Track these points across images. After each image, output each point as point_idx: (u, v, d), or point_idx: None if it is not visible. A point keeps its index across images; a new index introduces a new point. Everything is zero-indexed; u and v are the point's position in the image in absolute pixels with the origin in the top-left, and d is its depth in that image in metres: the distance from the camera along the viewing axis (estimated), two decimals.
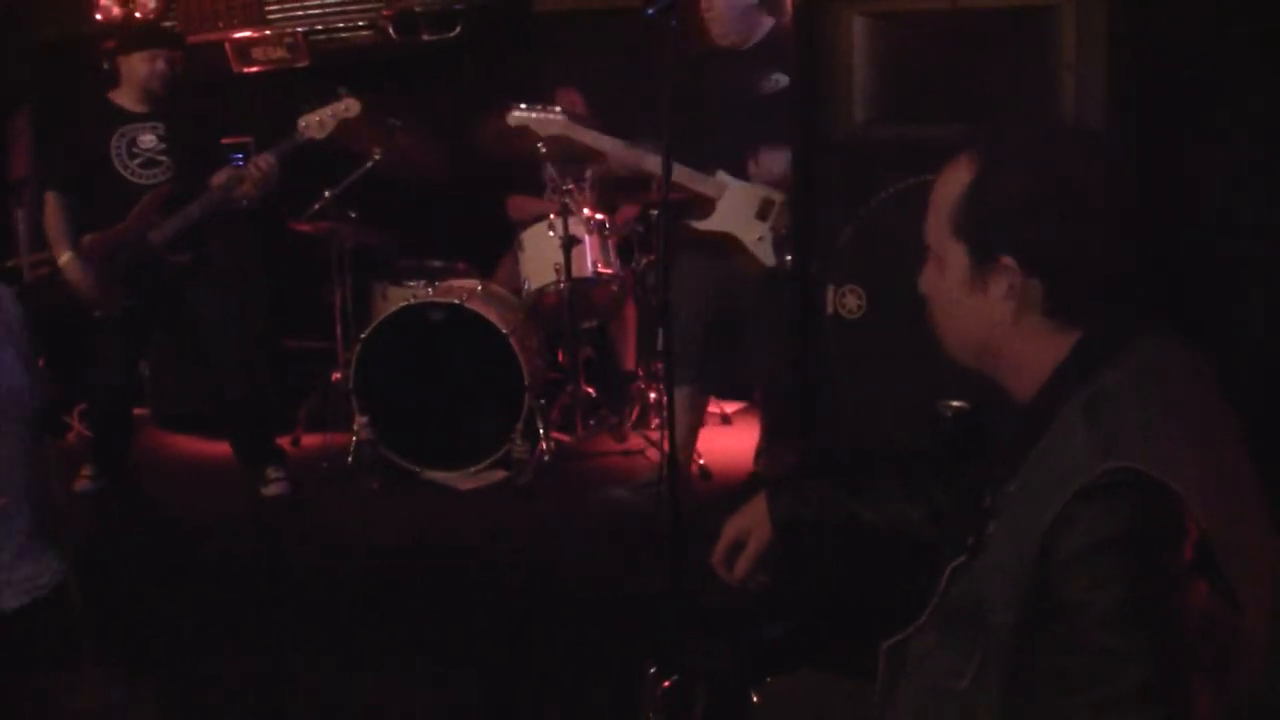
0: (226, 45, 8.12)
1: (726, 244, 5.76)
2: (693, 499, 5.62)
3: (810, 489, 2.68)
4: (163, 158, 6.31)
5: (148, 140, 6.31)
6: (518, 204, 7.65)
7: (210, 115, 6.83)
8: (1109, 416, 1.86)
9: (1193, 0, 3.74)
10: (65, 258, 6.20)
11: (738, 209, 5.72)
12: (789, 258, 5.35)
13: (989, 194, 2.01)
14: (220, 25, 8.12)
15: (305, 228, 7.17)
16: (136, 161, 6.28)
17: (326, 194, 6.99)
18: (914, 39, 3.84)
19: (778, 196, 5.62)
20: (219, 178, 6.18)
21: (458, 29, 7.68)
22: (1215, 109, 3.62)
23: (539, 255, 6.87)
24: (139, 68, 6.31)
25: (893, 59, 3.86)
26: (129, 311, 6.30)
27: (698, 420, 6.26)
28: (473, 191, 7.97)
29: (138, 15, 8.00)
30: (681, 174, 5.54)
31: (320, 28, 8.02)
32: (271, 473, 6.59)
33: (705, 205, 5.77)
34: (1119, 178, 2.03)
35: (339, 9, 7.95)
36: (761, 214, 5.68)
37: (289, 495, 6.53)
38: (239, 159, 7.13)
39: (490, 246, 7.79)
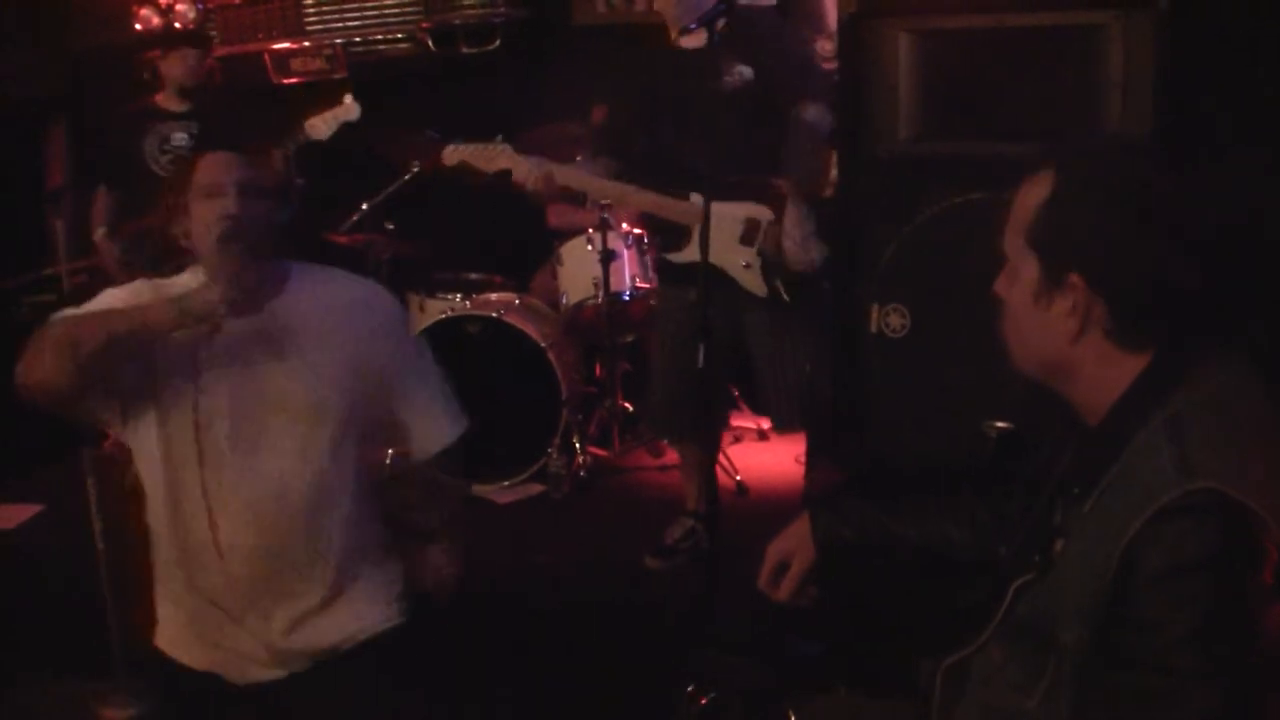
0: (265, 56, 8.14)
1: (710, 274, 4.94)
2: (730, 515, 5.57)
3: (851, 509, 2.69)
4: (189, 154, 6.32)
5: (179, 138, 6.60)
6: (559, 211, 7.62)
7: (245, 117, 6.96)
8: (1189, 437, 1.86)
9: (1241, 18, 3.71)
10: (99, 233, 6.72)
11: (717, 234, 4.76)
12: (779, 282, 5.11)
13: (1063, 211, 2.02)
14: (259, 36, 8.15)
15: (342, 240, 7.16)
16: (166, 158, 6.53)
17: (364, 206, 6.99)
18: (959, 57, 3.82)
19: (764, 216, 5.09)
20: None
21: (496, 42, 7.68)
22: (1266, 128, 3.60)
23: (577, 269, 6.85)
24: (174, 67, 6.62)
25: (938, 77, 3.84)
26: None
27: (706, 475, 5.34)
28: (509, 204, 7.96)
29: (177, 25, 8.04)
30: (646, 200, 5.23)
31: (358, 39, 8.03)
32: None
33: (680, 233, 5.24)
34: (1194, 202, 2.02)
35: (378, 21, 7.98)
36: (746, 238, 5.14)
37: None
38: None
39: (527, 259, 7.77)
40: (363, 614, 3.37)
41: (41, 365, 3.08)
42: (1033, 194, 2.06)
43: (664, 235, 5.38)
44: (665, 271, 5.52)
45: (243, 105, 7.10)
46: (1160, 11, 3.56)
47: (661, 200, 5.16)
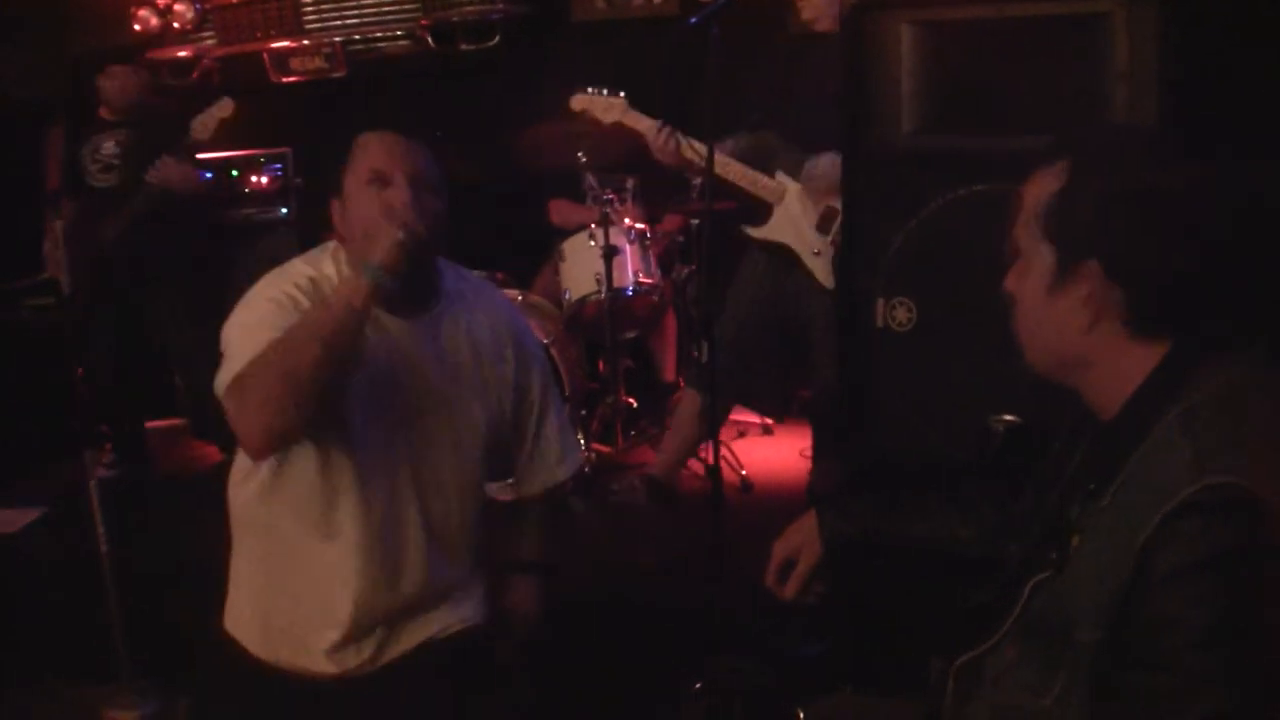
0: (264, 55, 8.14)
1: (787, 252, 5.38)
2: (734, 510, 5.55)
3: (858, 506, 2.69)
4: (116, 162, 6.84)
5: (109, 147, 6.88)
6: (559, 208, 7.61)
7: (168, 120, 6.98)
8: (1205, 432, 1.85)
9: (1248, 7, 3.69)
10: (47, 246, 7.01)
11: (797, 217, 5.29)
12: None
13: (1079, 198, 2.00)
14: (258, 36, 8.16)
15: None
16: (97, 167, 6.86)
17: None
18: (962, 48, 3.80)
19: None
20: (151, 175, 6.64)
21: (496, 38, 7.67)
22: (1273, 118, 3.57)
23: (580, 265, 6.87)
24: (104, 84, 6.89)
25: (941, 68, 3.82)
26: (106, 306, 6.85)
27: (703, 434, 5.75)
28: (511, 201, 7.96)
29: (175, 26, 8.05)
30: (736, 172, 5.31)
31: (358, 38, 8.02)
32: None
33: (763, 210, 5.42)
34: (1214, 194, 2.00)
35: (377, 19, 7.97)
36: (823, 226, 5.24)
37: None
38: (278, 169, 7.23)
39: (528, 256, 7.77)
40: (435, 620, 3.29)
41: (263, 426, 2.78)
42: (1046, 183, 2.04)
43: (747, 209, 5.43)
44: (744, 242, 5.61)
45: (176, 111, 7.09)
46: (1165, 0, 3.54)
47: (751, 174, 5.30)
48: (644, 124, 5.60)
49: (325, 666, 3.14)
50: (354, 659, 3.15)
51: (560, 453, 3.51)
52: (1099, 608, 1.86)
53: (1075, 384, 2.09)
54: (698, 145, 5.25)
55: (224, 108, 6.61)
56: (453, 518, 3.24)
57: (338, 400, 2.91)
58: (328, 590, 3.10)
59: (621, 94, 5.77)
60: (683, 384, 6.78)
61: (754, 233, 5.45)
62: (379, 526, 3.09)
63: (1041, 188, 2.05)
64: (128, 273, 6.76)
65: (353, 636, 3.13)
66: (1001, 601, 2.19)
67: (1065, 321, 2.01)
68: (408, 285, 2.92)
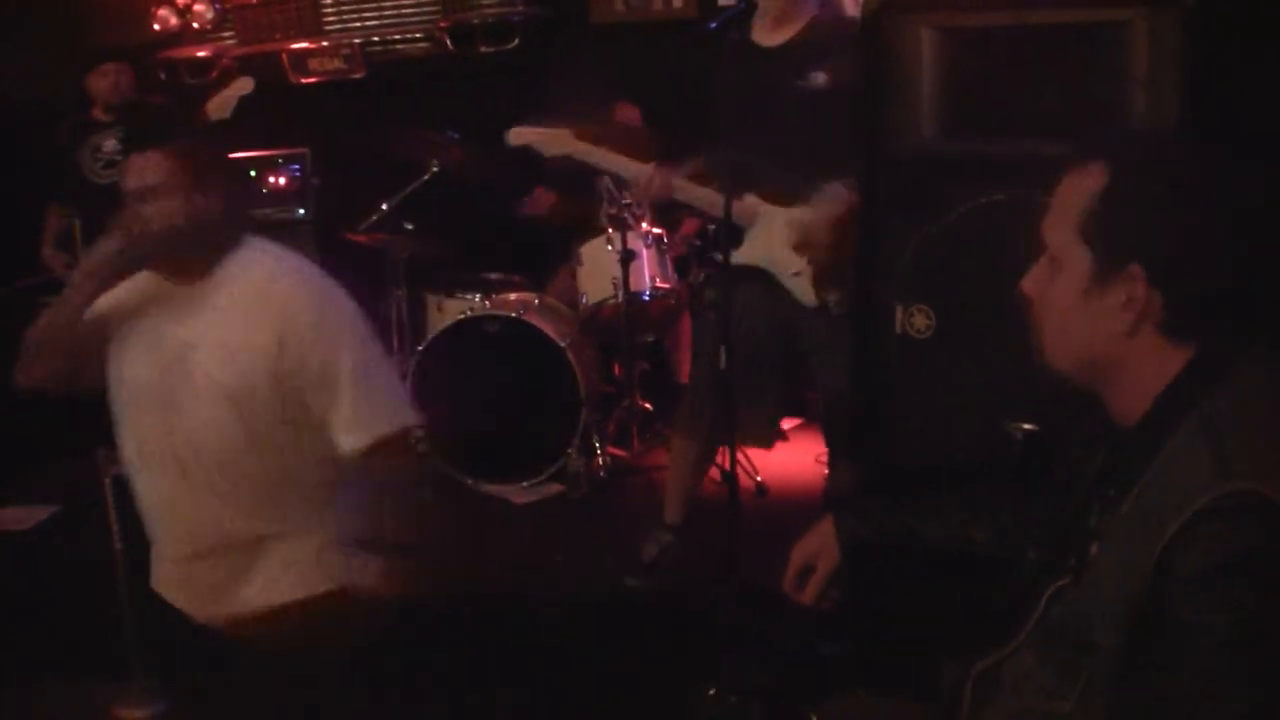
0: (283, 56, 8.16)
1: (758, 278, 5.03)
2: (750, 516, 5.52)
3: (875, 511, 2.69)
4: (120, 158, 6.72)
5: (110, 145, 6.94)
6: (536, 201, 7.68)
7: (165, 114, 7.14)
8: (1227, 438, 1.84)
9: (1269, 14, 3.69)
10: (46, 251, 7.15)
11: (771, 239, 4.98)
12: (832, 298, 4.89)
13: (1124, 200, 1.98)
14: (278, 36, 8.19)
15: (361, 239, 7.19)
16: (100, 164, 6.93)
17: (383, 206, 7.00)
18: (982, 53, 3.80)
19: (824, 230, 4.82)
20: None
21: (515, 40, 7.68)
22: None
23: (597, 269, 6.87)
24: (96, 84, 6.98)
25: (961, 74, 3.82)
26: None
27: (697, 482, 5.59)
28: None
29: (195, 25, 8.08)
30: (702, 197, 5.10)
31: (377, 39, 8.04)
32: None
33: (734, 233, 4.94)
34: (1256, 192, 1.99)
35: (396, 20, 8.00)
36: (800, 245, 4.92)
37: None
38: (296, 170, 7.24)
39: (545, 258, 7.78)
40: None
41: (29, 368, 3.50)
42: (1083, 185, 2.01)
43: (716, 232, 5.37)
44: (715, 270, 5.43)
45: (167, 107, 7.28)
46: (1186, 6, 3.53)
47: (711, 196, 5.02)
48: (617, 163, 5.40)
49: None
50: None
51: (372, 410, 3.58)
52: (1119, 613, 1.85)
53: (1099, 387, 2.08)
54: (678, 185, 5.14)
55: (243, 85, 6.61)
56: (226, 468, 3.51)
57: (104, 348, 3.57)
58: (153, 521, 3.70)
59: (569, 126, 5.53)
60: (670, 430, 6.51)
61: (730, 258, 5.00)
62: (156, 468, 3.62)
63: (1078, 189, 2.01)
64: None
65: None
66: (1019, 607, 2.19)
67: (1100, 325, 1.99)
68: (172, 261, 3.48)
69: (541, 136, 5.51)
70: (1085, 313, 2.01)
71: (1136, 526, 1.87)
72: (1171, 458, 1.88)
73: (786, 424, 7.51)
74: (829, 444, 5.58)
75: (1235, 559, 1.73)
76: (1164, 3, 3.55)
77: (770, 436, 6.47)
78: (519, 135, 5.59)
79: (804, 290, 4.93)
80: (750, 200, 4.96)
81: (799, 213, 4.90)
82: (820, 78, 4.82)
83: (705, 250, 7.17)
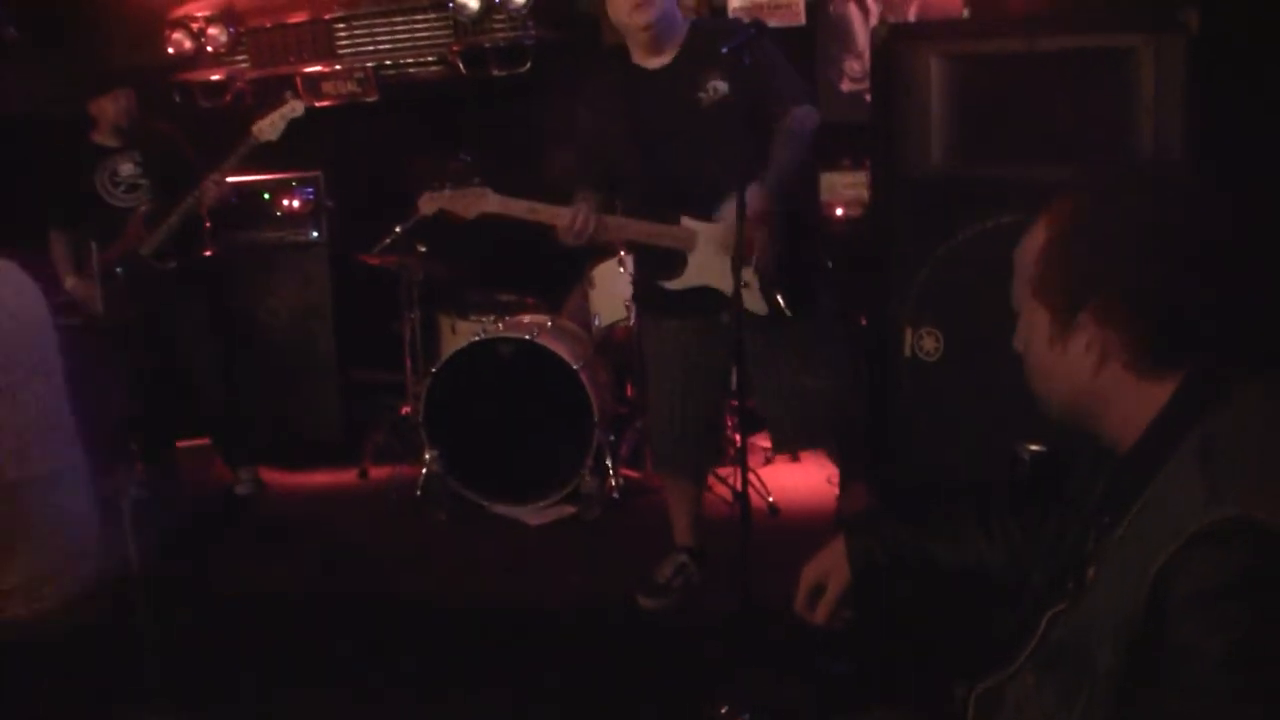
0: (297, 79, 8.19)
1: (709, 299, 4.95)
2: (762, 536, 5.52)
3: (886, 531, 2.70)
4: (142, 181, 6.92)
5: (127, 169, 6.97)
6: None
7: (179, 139, 7.19)
8: (1219, 463, 1.87)
9: (1273, 41, 3.73)
10: (70, 282, 6.94)
11: (713, 257, 4.89)
12: (780, 297, 4.86)
13: (1060, 253, 2.06)
14: (291, 59, 8.19)
15: (375, 261, 7.21)
16: (119, 189, 6.92)
17: (397, 229, 7.03)
18: (991, 80, 3.85)
19: (758, 233, 4.71)
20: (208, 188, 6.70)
21: (528, 64, 7.71)
22: None
23: (610, 291, 6.91)
24: (107, 108, 6.93)
25: (970, 100, 3.86)
26: (133, 321, 6.77)
27: (697, 507, 5.59)
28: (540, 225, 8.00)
29: (209, 49, 8.13)
30: (639, 229, 5.03)
31: (390, 62, 8.07)
32: (243, 474, 7.31)
33: (674, 260, 5.01)
34: (1201, 220, 2.04)
35: (409, 44, 8.00)
36: (741, 257, 4.54)
37: (255, 495, 7.19)
38: (310, 193, 7.28)
39: (558, 278, 7.81)
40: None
41: None
42: (1031, 244, 2.12)
43: (654, 263, 5.11)
44: (653, 300, 5.27)
45: (177, 131, 7.28)
46: (1190, 33, 3.58)
47: (654, 227, 4.98)
48: (529, 211, 5.20)
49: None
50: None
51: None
52: (1116, 636, 1.88)
53: (1093, 427, 2.13)
54: (611, 221, 5.05)
55: (294, 108, 6.68)
56: None
57: None
58: None
59: (479, 181, 5.37)
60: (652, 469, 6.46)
61: (671, 285, 5.05)
62: None
63: (1028, 250, 2.12)
64: (158, 288, 6.83)
65: None
66: (1021, 629, 2.23)
67: (1072, 371, 2.07)
68: None
69: (454, 201, 5.34)
70: (1057, 362, 2.09)
71: (1131, 551, 1.91)
72: (1165, 483, 1.92)
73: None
74: (842, 462, 5.60)
75: (1227, 583, 1.76)
76: (1168, 30, 3.60)
77: (722, 454, 6.41)
78: (430, 202, 5.39)
79: (755, 301, 4.86)
80: (687, 223, 4.93)
81: (728, 225, 4.65)
82: (720, 86, 4.83)
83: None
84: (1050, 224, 2.09)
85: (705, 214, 4.91)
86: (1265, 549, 1.76)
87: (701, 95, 4.86)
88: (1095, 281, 2.02)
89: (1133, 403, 2.04)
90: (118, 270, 6.69)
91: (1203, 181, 2.11)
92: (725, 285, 4.81)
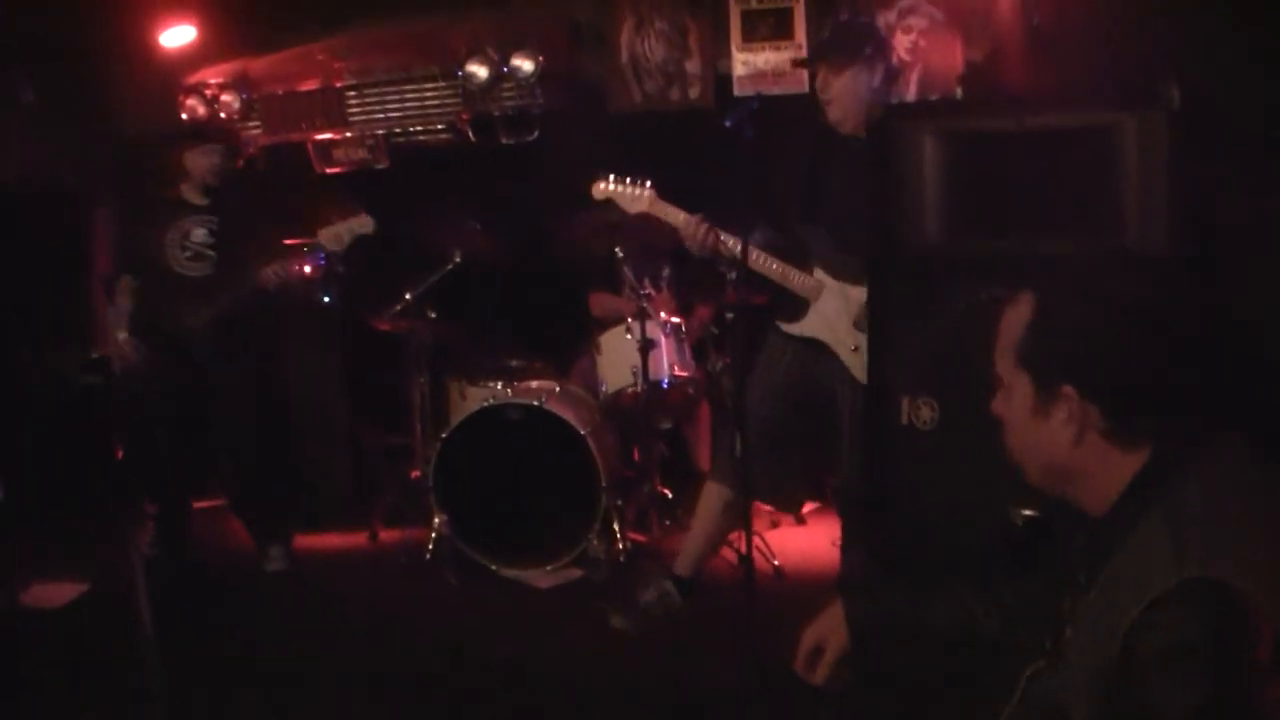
0: (309, 146, 8.30)
1: (821, 348, 5.21)
2: (767, 597, 5.54)
3: (884, 594, 2.81)
4: (210, 252, 6.73)
5: (199, 234, 6.76)
6: (600, 301, 7.71)
7: (261, 212, 7.14)
8: (1187, 527, 1.98)
9: (1255, 116, 3.83)
10: (121, 337, 6.74)
11: (834, 314, 5.14)
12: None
13: (1046, 328, 2.19)
14: (303, 126, 8.30)
15: (386, 326, 7.33)
16: (186, 255, 6.73)
17: (408, 295, 7.11)
18: (982, 156, 3.94)
19: None
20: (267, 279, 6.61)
21: (535, 132, 7.81)
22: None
23: (617, 358, 6.98)
24: (198, 161, 6.75)
25: (963, 176, 3.95)
26: (170, 390, 6.70)
27: (729, 525, 5.68)
28: (548, 288, 8.09)
29: (222, 115, 8.21)
30: (774, 268, 5.20)
31: (399, 129, 8.18)
32: (272, 550, 6.99)
33: (798, 305, 5.26)
34: (1175, 300, 2.16)
35: (419, 112, 8.12)
36: (860, 322, 5.00)
37: (287, 573, 6.91)
38: (321, 258, 7.35)
39: (567, 342, 7.94)
40: None
41: None
42: (1016, 316, 2.24)
43: (781, 305, 5.33)
44: (773, 338, 5.46)
45: (261, 199, 7.27)
46: (1172, 110, 3.68)
47: (786, 269, 5.18)
48: (676, 216, 5.45)
49: None
50: None
51: None
52: (1090, 692, 1.98)
53: (1069, 493, 2.24)
54: (732, 241, 5.19)
55: (363, 223, 6.66)
56: None
57: None
58: None
59: (648, 183, 5.60)
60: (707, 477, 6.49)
61: (788, 328, 5.31)
62: None
63: (1014, 321, 2.24)
64: (199, 356, 6.70)
65: None
66: (1004, 688, 2.31)
67: (1051, 440, 2.19)
68: None
69: (623, 194, 5.62)
70: (1037, 431, 2.21)
71: (1104, 611, 2.01)
72: (1135, 547, 2.03)
73: (805, 508, 7.58)
74: (843, 526, 5.65)
75: (1191, 643, 1.86)
76: (1150, 106, 3.70)
77: (799, 504, 6.42)
78: (602, 191, 5.68)
79: (860, 366, 4.95)
80: (817, 274, 5.11)
81: (862, 292, 4.90)
82: None
83: (723, 335, 7.27)
84: (1035, 300, 2.21)
85: (837, 272, 5.09)
86: (1224, 609, 1.86)
87: None
88: (1077, 357, 2.14)
89: (1108, 471, 2.14)
90: (164, 340, 6.64)
91: (1177, 261, 2.22)
92: (835, 342, 5.15)
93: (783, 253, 5.16)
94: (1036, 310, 2.21)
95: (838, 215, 5.10)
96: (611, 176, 5.64)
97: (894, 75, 5.40)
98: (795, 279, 5.17)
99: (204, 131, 7.13)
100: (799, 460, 5.56)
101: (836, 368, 5.17)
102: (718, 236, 5.23)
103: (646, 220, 5.64)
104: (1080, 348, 2.15)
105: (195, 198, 6.82)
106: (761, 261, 5.21)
